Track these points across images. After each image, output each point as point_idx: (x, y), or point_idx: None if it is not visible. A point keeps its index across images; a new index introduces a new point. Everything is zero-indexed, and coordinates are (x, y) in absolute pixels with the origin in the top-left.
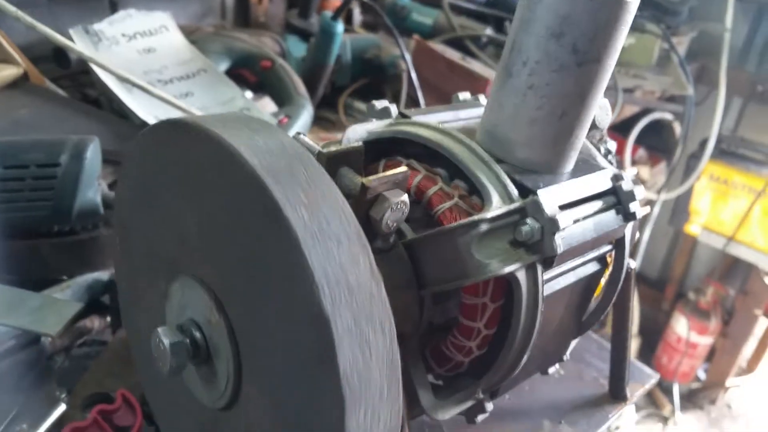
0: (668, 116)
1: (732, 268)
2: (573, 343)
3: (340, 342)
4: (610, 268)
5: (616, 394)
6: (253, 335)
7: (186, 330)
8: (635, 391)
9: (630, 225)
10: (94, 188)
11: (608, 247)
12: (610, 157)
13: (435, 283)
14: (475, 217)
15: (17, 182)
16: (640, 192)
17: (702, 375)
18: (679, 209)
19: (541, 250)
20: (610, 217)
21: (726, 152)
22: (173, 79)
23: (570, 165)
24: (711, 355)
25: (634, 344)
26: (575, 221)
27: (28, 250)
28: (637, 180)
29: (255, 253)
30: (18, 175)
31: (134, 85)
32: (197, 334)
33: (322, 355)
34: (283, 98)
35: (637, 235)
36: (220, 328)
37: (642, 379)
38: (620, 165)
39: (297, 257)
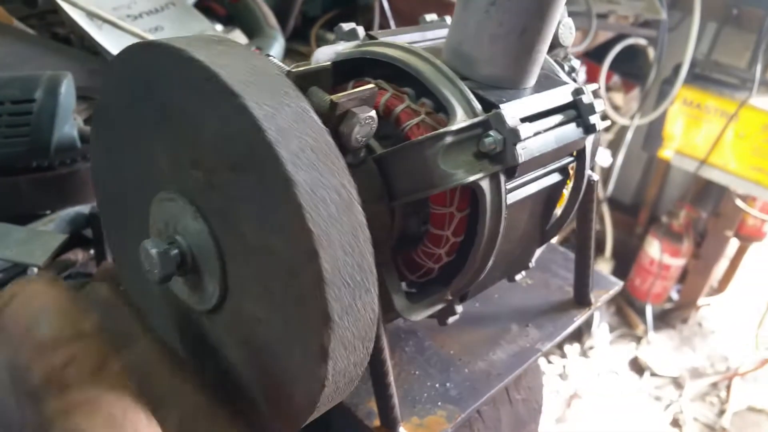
0: (642, 42)
1: (704, 192)
2: (538, 252)
3: (324, 250)
4: (572, 180)
5: (580, 300)
6: (233, 231)
7: (171, 240)
8: (599, 297)
9: (590, 138)
10: (70, 123)
11: (569, 159)
12: (574, 74)
13: (404, 195)
14: (441, 130)
15: None
16: (599, 105)
17: (675, 296)
18: (653, 134)
19: (503, 161)
20: (571, 129)
21: (699, 77)
22: (142, 13)
23: (532, 80)
24: (683, 277)
25: (607, 267)
26: (537, 133)
27: (8, 187)
28: (597, 94)
29: (228, 155)
30: None
31: (104, 20)
32: (182, 242)
33: (309, 261)
34: (253, 30)
35: (610, 159)
36: (203, 232)
37: (606, 285)
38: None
39: (256, 130)
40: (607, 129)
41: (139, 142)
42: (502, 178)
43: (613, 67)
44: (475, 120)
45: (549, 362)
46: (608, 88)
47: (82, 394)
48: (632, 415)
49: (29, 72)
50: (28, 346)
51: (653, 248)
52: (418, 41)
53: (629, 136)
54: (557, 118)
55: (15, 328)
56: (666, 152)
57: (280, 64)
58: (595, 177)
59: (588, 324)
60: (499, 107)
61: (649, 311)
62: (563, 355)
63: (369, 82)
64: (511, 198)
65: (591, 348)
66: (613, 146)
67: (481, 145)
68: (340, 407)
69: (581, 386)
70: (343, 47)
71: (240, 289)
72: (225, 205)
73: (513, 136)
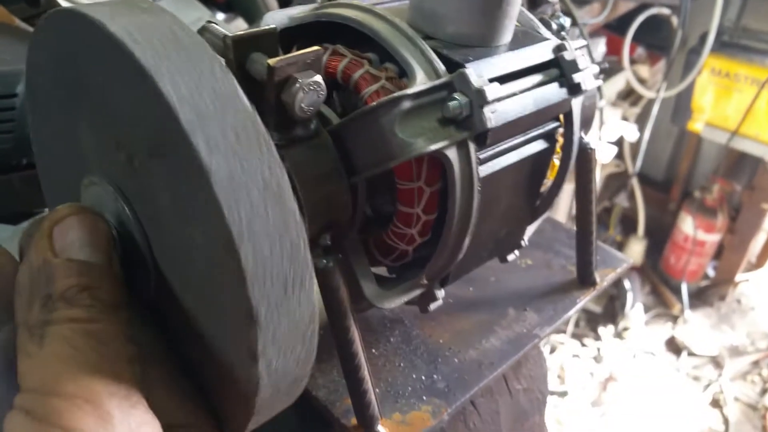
0: (666, 11)
1: (738, 164)
2: (530, 229)
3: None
4: (562, 147)
5: (584, 280)
6: (157, 221)
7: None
8: (606, 276)
9: (579, 99)
10: None
11: (555, 124)
12: (564, 33)
13: (363, 169)
14: (397, 94)
15: None
16: (585, 61)
17: (711, 272)
18: (681, 107)
19: (471, 126)
20: (553, 89)
21: (728, 44)
22: None
23: (506, 37)
24: (719, 253)
25: (640, 245)
26: (512, 95)
27: (1, 185)
28: (585, 50)
29: (146, 138)
30: None
31: None
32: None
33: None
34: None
35: (638, 134)
36: (128, 220)
37: (613, 263)
38: (618, 65)
39: (169, 114)
40: (633, 103)
41: (64, 121)
42: (472, 146)
43: (637, 39)
44: (437, 82)
45: (583, 345)
46: (633, 61)
47: (86, 313)
48: (670, 396)
49: (10, 67)
50: (59, 262)
51: (687, 224)
52: (384, 2)
53: (656, 109)
54: (536, 78)
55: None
56: (696, 125)
57: (220, 29)
58: (592, 144)
59: (622, 305)
60: (464, 67)
61: (684, 289)
62: (597, 338)
63: (326, 49)
64: (487, 169)
65: (626, 329)
66: (641, 121)
67: (445, 110)
68: (319, 405)
69: (617, 369)
70: (297, 11)
71: (171, 282)
72: (146, 191)
73: (480, 98)
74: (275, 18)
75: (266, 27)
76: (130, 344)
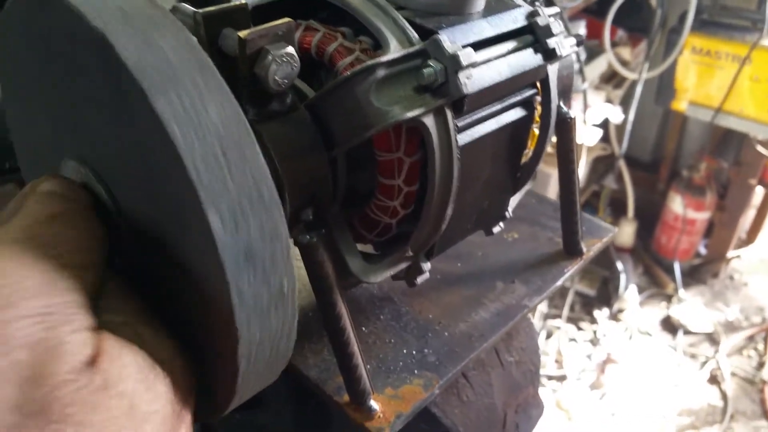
0: None
1: (724, 141)
2: (514, 200)
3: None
4: (540, 115)
5: (570, 250)
6: (127, 188)
7: None
8: (592, 246)
9: (555, 66)
10: None
11: (532, 91)
12: (537, 2)
13: (342, 141)
14: (369, 63)
15: None
16: (558, 27)
17: (703, 251)
18: (664, 87)
19: (447, 93)
20: (527, 55)
21: (707, 23)
22: None
23: (479, 5)
24: (710, 230)
25: (631, 227)
26: (487, 61)
27: None
28: (560, 16)
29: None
30: None
31: None
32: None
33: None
34: None
35: (622, 116)
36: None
37: (599, 233)
38: (599, 48)
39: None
40: (617, 85)
41: (35, 104)
42: (449, 113)
43: (618, 22)
44: (410, 50)
45: (579, 329)
46: (614, 44)
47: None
48: (668, 375)
49: None
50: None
51: (676, 204)
52: None
53: (639, 90)
54: (510, 44)
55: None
56: (680, 104)
57: (189, 7)
58: (572, 114)
59: (616, 287)
60: (437, 34)
61: (677, 268)
62: (593, 321)
63: (299, 25)
64: (466, 137)
65: (621, 311)
66: (625, 103)
67: (420, 77)
68: (311, 385)
69: (614, 350)
70: None
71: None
72: (116, 163)
73: (454, 64)
74: None
75: (237, 3)
76: (85, 253)
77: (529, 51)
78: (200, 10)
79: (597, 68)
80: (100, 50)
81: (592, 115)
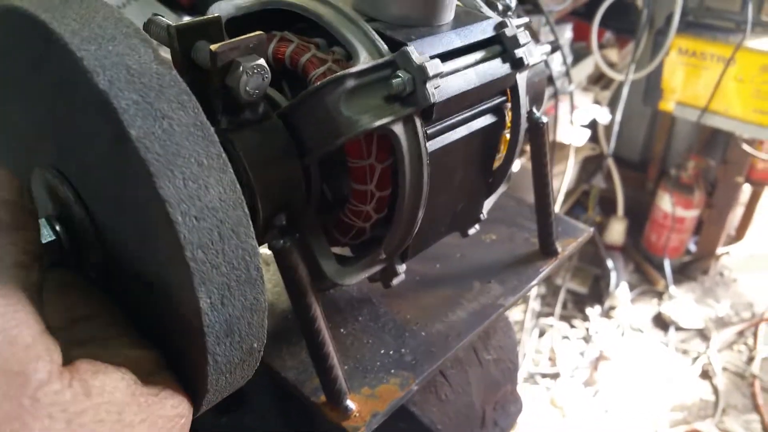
0: None
1: (711, 140)
2: (488, 203)
3: (130, 117)
4: (511, 121)
5: (546, 250)
6: (98, 197)
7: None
8: (567, 246)
9: (524, 74)
10: None
11: (501, 99)
12: (510, 13)
13: (314, 149)
14: (339, 73)
15: None
16: (526, 37)
17: (692, 248)
18: (651, 88)
19: (415, 102)
20: (496, 65)
21: (693, 24)
22: None
23: (448, 17)
24: (699, 228)
25: (621, 225)
26: (455, 71)
27: None
28: (528, 26)
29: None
30: None
31: None
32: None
33: (116, 133)
34: None
35: (609, 116)
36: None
37: (574, 233)
38: (587, 50)
39: (70, 55)
40: (605, 86)
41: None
42: (418, 121)
43: (605, 24)
44: (379, 61)
45: (572, 326)
46: (601, 46)
47: None
48: (660, 371)
49: None
50: None
51: (665, 202)
52: None
53: (626, 91)
54: (478, 54)
55: None
56: (667, 104)
57: (164, 20)
58: (544, 119)
59: (607, 285)
60: (406, 45)
61: (667, 266)
62: (585, 318)
63: (273, 36)
64: (436, 143)
65: (613, 308)
66: (613, 104)
67: (389, 87)
68: (289, 386)
69: (606, 347)
70: (244, 0)
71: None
72: (84, 170)
73: (422, 74)
74: (221, 8)
75: (211, 16)
76: (24, 254)
77: (498, 61)
78: (174, 24)
79: (584, 70)
80: (103, 109)
81: (580, 116)
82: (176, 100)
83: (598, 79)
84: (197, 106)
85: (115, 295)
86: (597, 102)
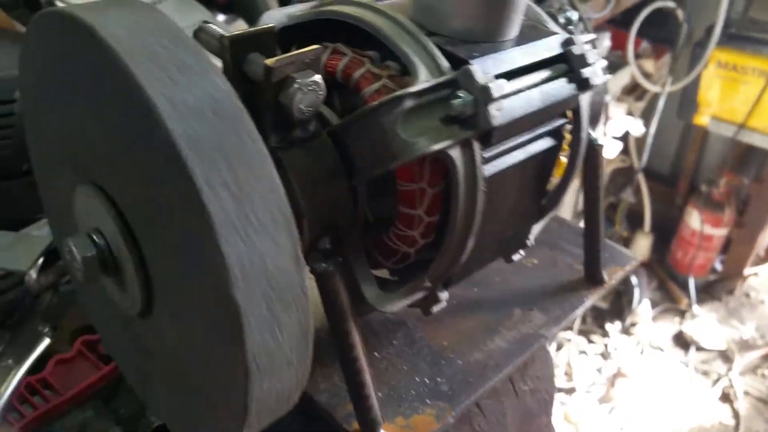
0: (671, 4)
1: (745, 157)
2: (536, 228)
3: (250, 330)
4: (570, 144)
5: (592, 278)
6: (157, 253)
7: (94, 239)
8: (614, 274)
9: (587, 95)
10: None
11: (562, 121)
12: (571, 27)
13: (364, 171)
14: (398, 93)
15: None
16: (594, 56)
17: (718, 267)
18: (687, 101)
19: (475, 125)
20: (560, 85)
21: (735, 36)
22: None
23: (512, 32)
24: (727, 247)
25: (647, 241)
26: (518, 91)
27: (1, 192)
28: (596, 44)
29: (145, 164)
30: None
31: None
32: (103, 243)
33: (232, 334)
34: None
35: (643, 129)
36: (119, 239)
37: (621, 261)
38: (623, 59)
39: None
40: (639, 97)
41: (56, 122)
42: (476, 145)
43: (642, 33)
44: (440, 80)
45: (590, 341)
46: (638, 55)
47: None
48: (679, 391)
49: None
50: None
51: (693, 219)
52: None
53: (661, 103)
54: (543, 73)
55: None
56: (702, 118)
57: (216, 29)
58: (600, 141)
59: (629, 301)
60: (469, 63)
61: (692, 284)
62: (605, 334)
63: (326, 48)
64: (492, 168)
65: (633, 325)
66: (647, 115)
67: (449, 108)
68: (321, 410)
69: (625, 365)
70: (297, 9)
71: (164, 296)
72: (136, 198)
73: (485, 96)
74: (274, 17)
75: (264, 26)
76: None
77: (563, 80)
78: (227, 34)
79: (620, 80)
80: (172, 161)
81: (613, 128)
82: (293, 302)
83: (632, 90)
84: (306, 306)
85: None
86: (630, 113)
